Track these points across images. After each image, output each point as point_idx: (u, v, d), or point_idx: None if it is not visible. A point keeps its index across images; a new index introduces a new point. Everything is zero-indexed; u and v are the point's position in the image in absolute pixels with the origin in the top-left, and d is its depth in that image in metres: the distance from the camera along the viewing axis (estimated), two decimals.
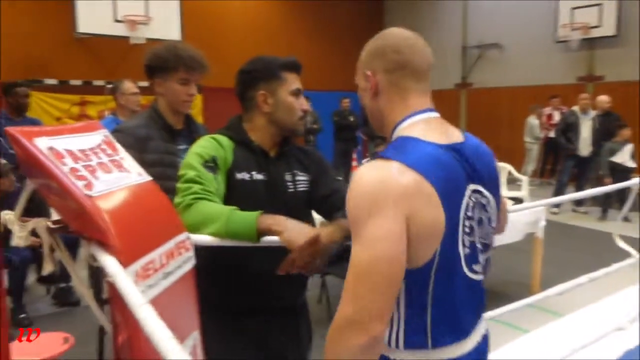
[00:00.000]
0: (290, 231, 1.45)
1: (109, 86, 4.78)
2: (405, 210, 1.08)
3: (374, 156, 1.19)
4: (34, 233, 1.22)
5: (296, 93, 1.79)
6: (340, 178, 2.07)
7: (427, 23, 12.73)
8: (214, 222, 1.47)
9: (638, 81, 9.47)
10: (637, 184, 3.21)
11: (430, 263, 1.14)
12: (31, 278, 4.50)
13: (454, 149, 1.21)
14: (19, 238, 1.21)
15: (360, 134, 10.43)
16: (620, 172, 7.19)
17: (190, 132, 2.29)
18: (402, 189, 1.09)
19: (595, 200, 8.36)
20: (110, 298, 1.18)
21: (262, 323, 1.80)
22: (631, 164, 7.49)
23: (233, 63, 2.23)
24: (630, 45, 9.84)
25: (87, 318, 3.81)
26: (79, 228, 1.18)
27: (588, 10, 10.38)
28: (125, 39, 8.93)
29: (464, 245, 1.19)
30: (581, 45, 10.63)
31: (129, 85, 4.23)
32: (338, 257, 1.54)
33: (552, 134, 9.70)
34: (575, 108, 7.93)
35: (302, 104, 1.81)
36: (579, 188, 7.61)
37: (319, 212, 1.89)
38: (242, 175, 1.72)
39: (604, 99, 8.03)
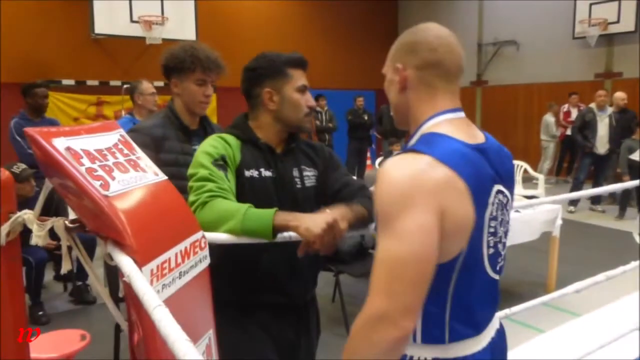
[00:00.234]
0: (306, 223, 1.44)
1: (126, 86, 4.82)
2: (438, 204, 1.06)
3: (403, 150, 1.17)
4: (52, 234, 1.24)
5: (302, 89, 1.77)
6: (354, 177, 2.06)
7: (442, 20, 12.25)
8: (230, 219, 1.47)
9: None
10: None
11: (454, 260, 1.13)
12: (49, 276, 4.55)
13: (478, 149, 1.19)
14: (38, 237, 1.23)
15: (374, 133, 10.41)
16: (639, 170, 7.08)
17: (205, 133, 2.29)
18: (435, 182, 1.07)
19: (612, 198, 8.25)
20: (126, 297, 1.19)
21: (273, 319, 1.80)
22: None
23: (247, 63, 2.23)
24: None
25: (104, 316, 3.86)
26: (95, 227, 1.19)
27: (607, 5, 10.23)
28: (141, 39, 9.01)
29: (488, 245, 1.19)
30: (599, 42, 10.46)
31: (147, 86, 4.28)
32: (352, 256, 1.54)
33: (569, 132, 9.59)
34: (592, 105, 7.83)
35: (308, 100, 1.79)
36: (597, 186, 7.48)
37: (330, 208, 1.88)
38: (251, 173, 1.72)
39: (620, 95, 7.89)
